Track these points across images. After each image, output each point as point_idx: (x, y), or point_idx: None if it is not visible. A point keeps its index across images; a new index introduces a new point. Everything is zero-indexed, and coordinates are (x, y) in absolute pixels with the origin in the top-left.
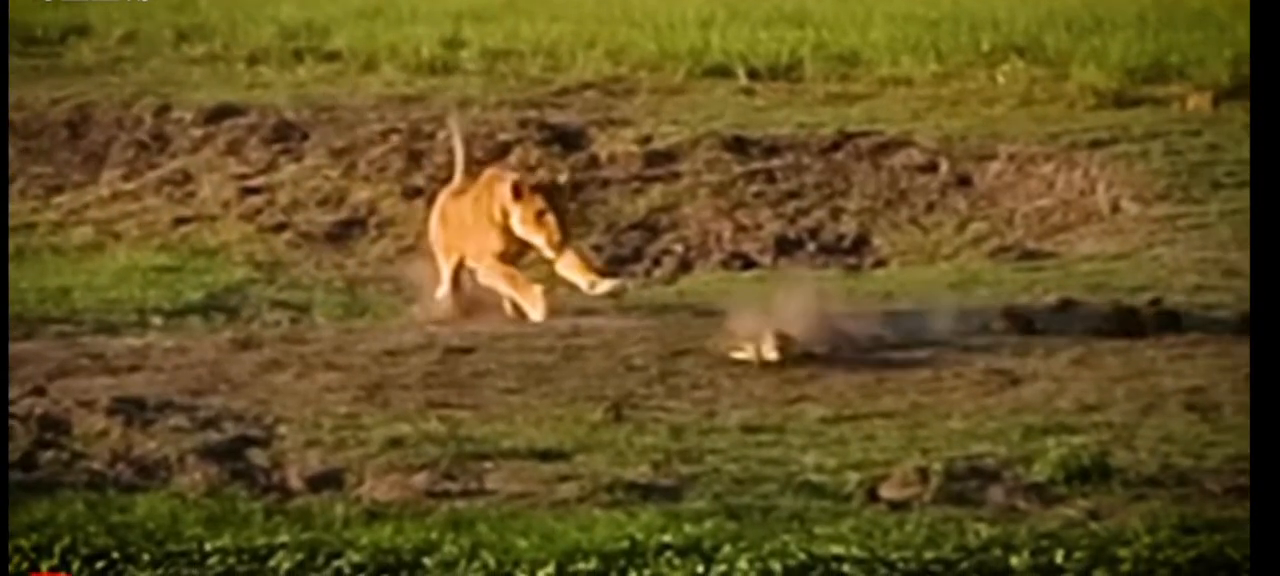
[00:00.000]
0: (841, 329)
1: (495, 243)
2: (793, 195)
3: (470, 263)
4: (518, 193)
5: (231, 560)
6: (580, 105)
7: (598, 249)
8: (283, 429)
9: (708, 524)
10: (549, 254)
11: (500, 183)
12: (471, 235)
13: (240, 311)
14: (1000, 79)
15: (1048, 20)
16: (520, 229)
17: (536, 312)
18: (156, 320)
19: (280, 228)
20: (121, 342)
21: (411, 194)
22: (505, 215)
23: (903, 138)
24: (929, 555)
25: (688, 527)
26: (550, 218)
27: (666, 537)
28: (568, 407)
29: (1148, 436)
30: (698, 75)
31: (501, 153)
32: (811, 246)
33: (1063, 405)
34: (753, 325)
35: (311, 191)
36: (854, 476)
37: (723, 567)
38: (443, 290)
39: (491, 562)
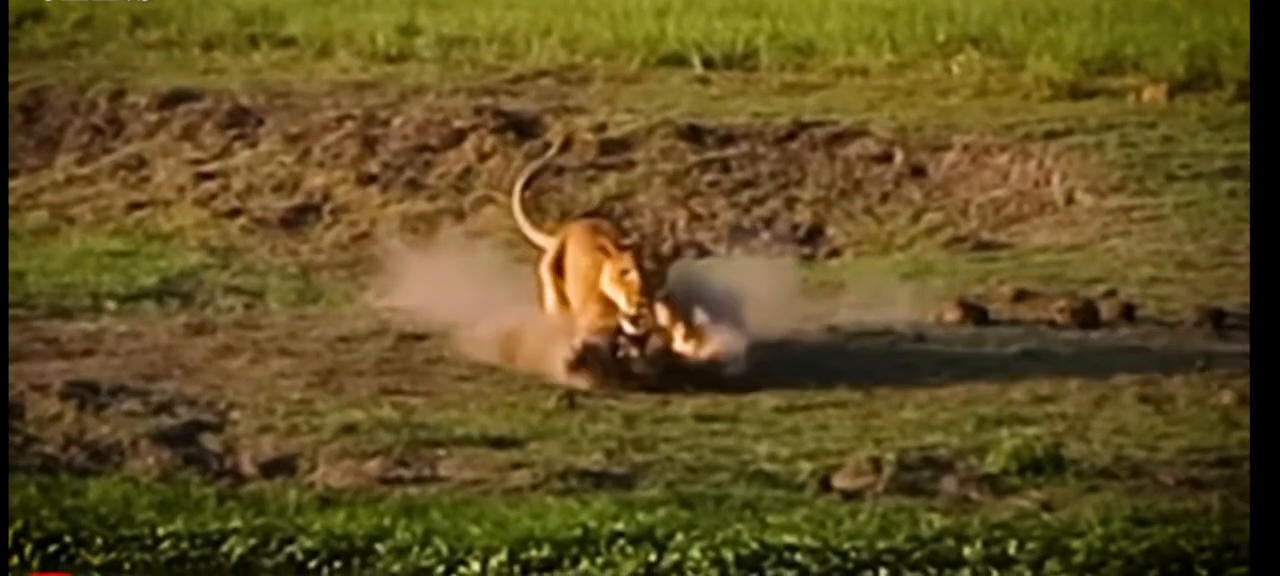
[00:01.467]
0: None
1: (591, 295)
2: (748, 184)
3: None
4: (607, 249)
5: (184, 545)
6: (535, 93)
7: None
8: (236, 414)
9: (661, 512)
10: (628, 310)
11: (599, 235)
12: (577, 283)
13: (194, 296)
14: (955, 70)
15: (1003, 11)
16: (607, 285)
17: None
18: (110, 304)
19: (234, 213)
20: (75, 326)
21: (366, 180)
22: (598, 268)
23: (858, 128)
24: (882, 545)
25: (641, 516)
26: (633, 277)
27: (619, 526)
28: (521, 395)
29: (1101, 428)
30: (653, 64)
31: (457, 139)
32: (766, 236)
33: (1016, 396)
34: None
35: (266, 177)
36: (807, 466)
37: (675, 556)
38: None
39: (444, 549)
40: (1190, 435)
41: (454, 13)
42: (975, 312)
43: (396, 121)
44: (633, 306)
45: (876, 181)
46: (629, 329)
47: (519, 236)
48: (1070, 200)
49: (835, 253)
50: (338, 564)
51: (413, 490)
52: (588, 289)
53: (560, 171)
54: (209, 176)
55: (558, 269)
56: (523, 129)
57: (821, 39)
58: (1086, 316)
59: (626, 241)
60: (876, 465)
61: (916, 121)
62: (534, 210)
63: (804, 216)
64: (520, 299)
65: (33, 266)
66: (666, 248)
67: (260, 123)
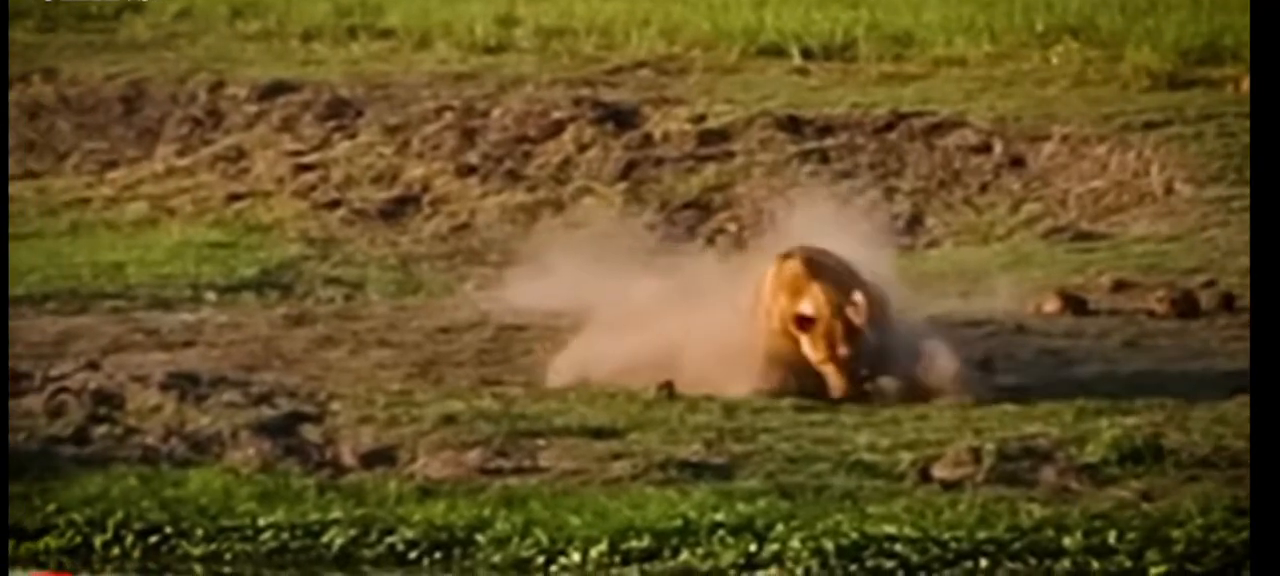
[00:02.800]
0: None
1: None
2: (846, 175)
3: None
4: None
5: (284, 536)
6: (634, 84)
7: (650, 228)
8: (336, 405)
9: (761, 502)
10: (812, 356)
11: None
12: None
13: (294, 287)
14: (1054, 60)
15: (1102, 1)
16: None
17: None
18: (210, 296)
19: (334, 204)
20: (175, 318)
21: (465, 171)
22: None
23: (956, 118)
24: (981, 535)
25: (741, 506)
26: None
27: (719, 516)
28: (621, 385)
29: (1201, 418)
30: (752, 54)
31: (556, 130)
32: (865, 227)
33: (1115, 387)
34: None
35: (365, 168)
36: (907, 456)
37: (775, 546)
38: None
39: (544, 540)
40: None
41: (553, 4)
42: (1074, 303)
43: (495, 112)
44: (814, 351)
45: (975, 172)
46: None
47: (617, 227)
48: (1169, 190)
49: (934, 243)
50: (438, 554)
51: (513, 480)
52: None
53: (659, 162)
54: (308, 167)
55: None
56: (621, 120)
57: (920, 29)
58: (1186, 306)
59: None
60: (976, 455)
61: (1015, 112)
62: None
63: (903, 207)
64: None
65: (133, 258)
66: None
67: (359, 114)
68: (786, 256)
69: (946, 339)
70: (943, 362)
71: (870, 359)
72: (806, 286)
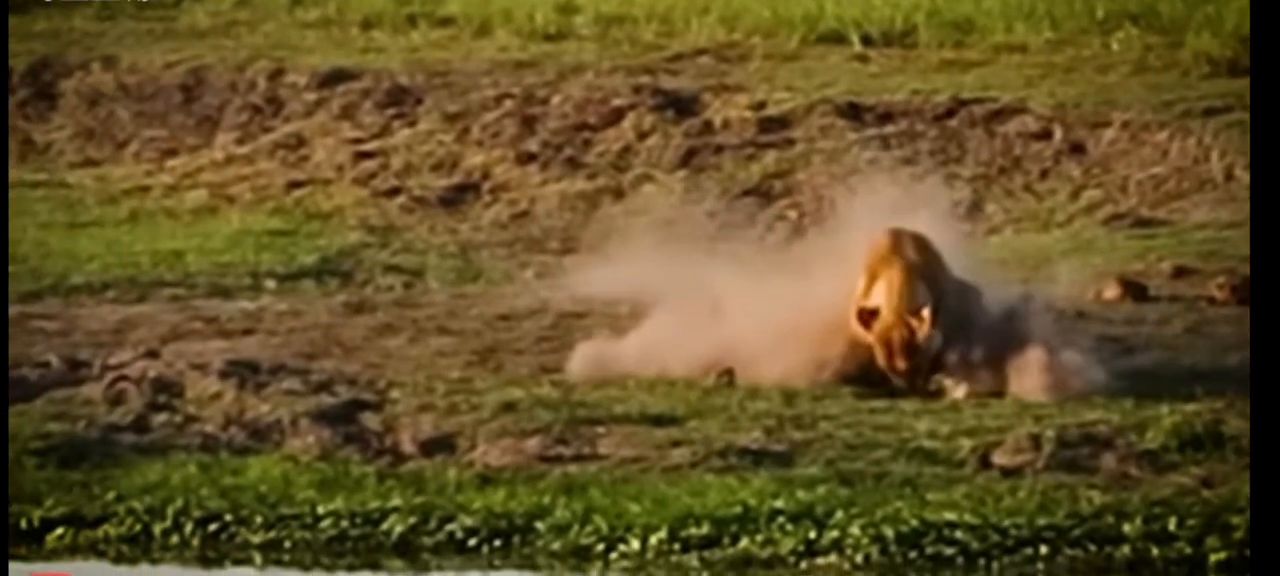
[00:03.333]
0: None
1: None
2: (907, 161)
3: None
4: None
5: (344, 523)
6: (694, 71)
7: (711, 215)
8: (395, 393)
9: (820, 489)
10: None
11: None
12: None
13: (354, 275)
14: (1114, 46)
15: None
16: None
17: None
18: (270, 283)
19: (394, 192)
20: (235, 306)
21: (525, 158)
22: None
23: (1017, 104)
24: (1041, 522)
25: (800, 493)
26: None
27: (779, 503)
28: (680, 372)
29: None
30: (811, 41)
31: (616, 118)
32: (925, 213)
33: (1176, 373)
34: None
35: (425, 156)
36: (966, 443)
37: (835, 533)
38: None
39: (604, 527)
40: None
41: None
42: (1135, 289)
43: (555, 100)
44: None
45: (1035, 158)
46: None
47: (677, 214)
48: (1229, 177)
49: (994, 230)
50: (497, 542)
51: (572, 468)
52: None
53: (719, 150)
54: (368, 155)
55: None
56: (681, 107)
57: (980, 16)
58: (1246, 293)
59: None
60: (1036, 442)
61: (1075, 98)
62: None
63: (963, 194)
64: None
65: (192, 246)
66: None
67: (419, 101)
68: (887, 234)
69: (1050, 332)
70: (1034, 366)
71: (950, 351)
72: (883, 272)
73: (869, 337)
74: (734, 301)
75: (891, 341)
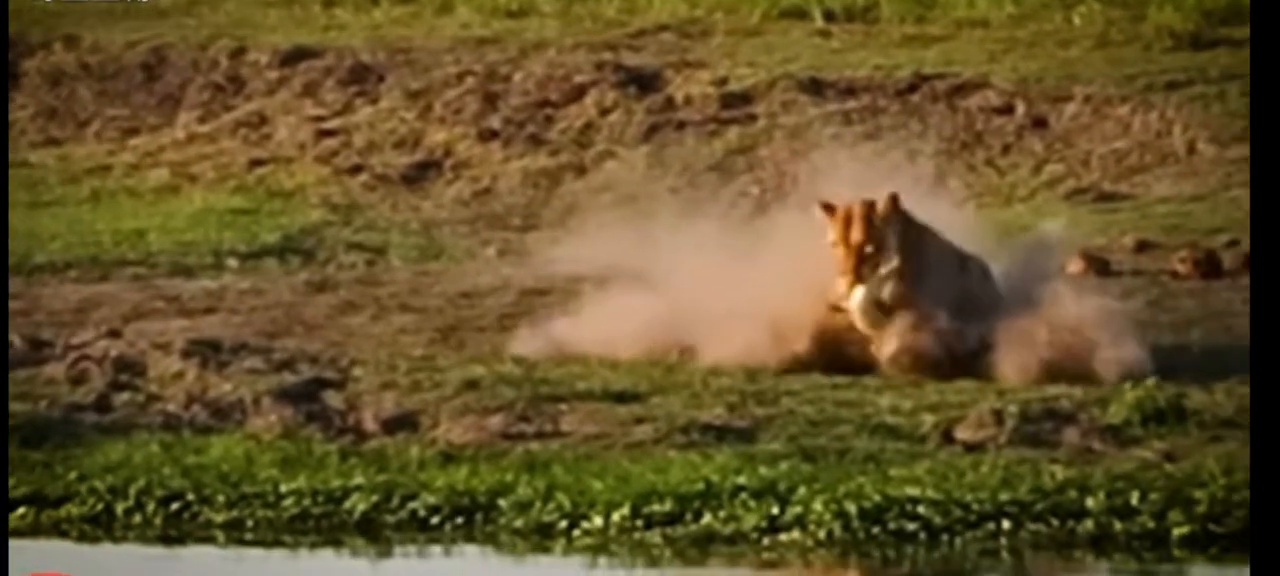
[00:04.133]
0: None
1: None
2: (869, 137)
3: None
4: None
5: (306, 502)
6: (656, 47)
7: (673, 192)
8: (358, 371)
9: (783, 465)
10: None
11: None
12: None
13: (316, 253)
14: (1076, 20)
15: None
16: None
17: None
18: (232, 262)
19: (356, 170)
20: (197, 284)
21: (487, 135)
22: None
23: (979, 79)
24: (1004, 497)
25: (763, 469)
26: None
27: (742, 479)
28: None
29: (1224, 378)
30: (773, 16)
31: (578, 94)
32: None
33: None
34: None
35: (387, 133)
36: (929, 418)
37: (798, 509)
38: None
39: (566, 504)
40: None
41: None
42: (1097, 264)
43: (517, 77)
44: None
45: (998, 133)
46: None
47: (639, 191)
48: (1192, 150)
49: (957, 205)
50: (460, 520)
51: (535, 445)
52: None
53: (681, 126)
54: (330, 133)
55: None
56: (644, 83)
57: None
58: (1209, 267)
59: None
60: (999, 417)
61: (1037, 73)
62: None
63: (925, 169)
64: None
65: (154, 225)
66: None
67: (381, 79)
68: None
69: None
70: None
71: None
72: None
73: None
74: (696, 278)
75: (850, 220)
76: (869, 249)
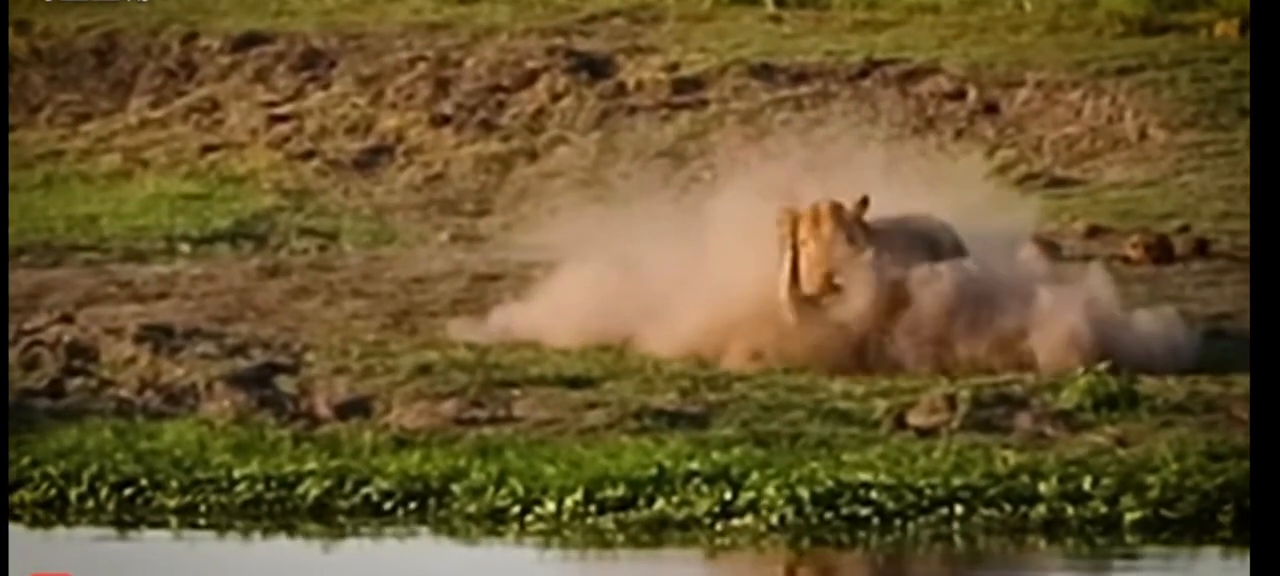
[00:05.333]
0: None
1: None
2: (820, 123)
3: None
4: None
5: (259, 487)
6: (607, 32)
7: (624, 177)
8: (310, 356)
9: (736, 450)
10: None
11: None
12: None
13: (268, 239)
14: (1027, 6)
15: None
16: None
17: None
18: (184, 247)
19: (308, 155)
20: (149, 270)
21: (439, 121)
22: None
23: (930, 65)
24: (957, 481)
25: (715, 454)
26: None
27: (694, 465)
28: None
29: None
30: (725, 2)
31: (529, 80)
32: (840, 174)
33: None
34: None
35: (339, 119)
36: (881, 403)
37: (750, 494)
38: None
39: (519, 489)
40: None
41: None
42: (1049, 248)
43: (469, 62)
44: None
45: (949, 119)
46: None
47: (593, 177)
48: (1143, 136)
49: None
50: (412, 505)
51: (487, 430)
52: None
53: (633, 111)
54: (282, 118)
55: None
56: (595, 69)
57: None
58: (1160, 252)
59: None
60: (951, 402)
61: (989, 58)
62: None
63: (877, 155)
64: None
65: (106, 210)
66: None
67: (333, 64)
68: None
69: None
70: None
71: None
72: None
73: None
74: (647, 263)
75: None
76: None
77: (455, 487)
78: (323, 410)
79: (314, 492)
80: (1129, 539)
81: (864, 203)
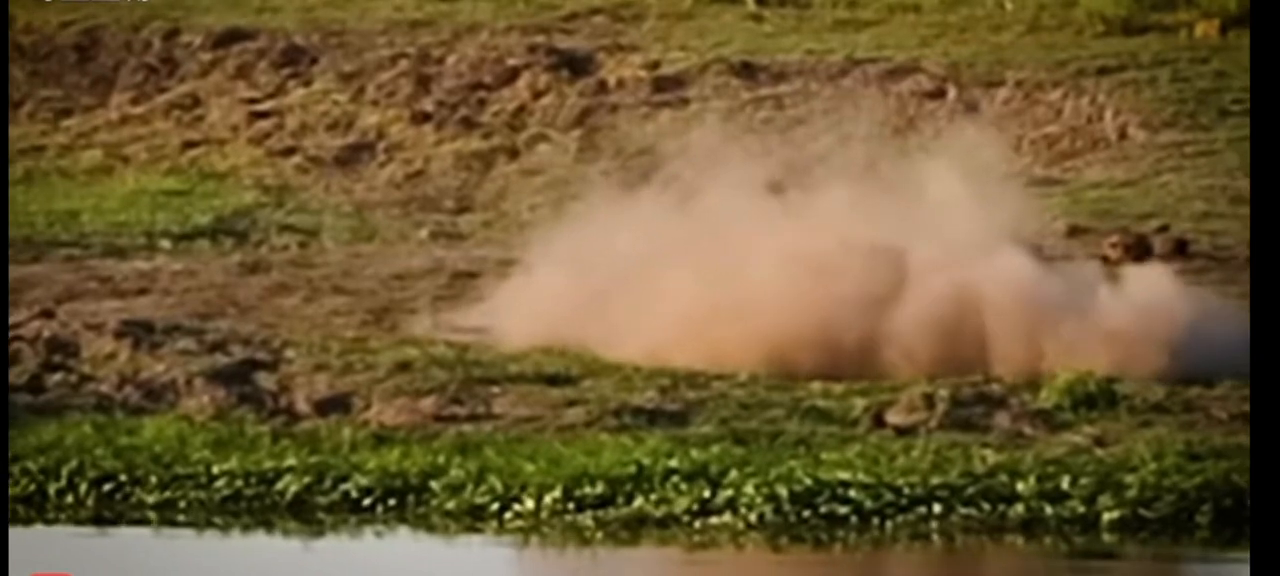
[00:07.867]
0: None
1: None
2: (801, 121)
3: None
4: None
5: (238, 483)
6: (588, 30)
7: (605, 174)
8: (290, 352)
9: (714, 449)
10: None
11: None
12: None
13: (248, 235)
14: (1008, 5)
15: None
16: None
17: None
18: (165, 243)
19: (289, 151)
20: (130, 265)
21: (420, 118)
22: None
23: (910, 64)
24: (935, 480)
25: (695, 452)
26: None
27: (673, 462)
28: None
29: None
30: (706, 1)
31: (511, 77)
32: (820, 173)
33: None
34: None
35: (320, 116)
36: (860, 402)
37: (729, 492)
38: None
39: (498, 486)
40: (1243, 369)
41: None
42: (1029, 248)
43: (450, 59)
44: None
45: (929, 118)
46: None
47: (573, 175)
48: (1123, 136)
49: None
50: (392, 501)
51: (467, 427)
52: None
53: (614, 109)
54: (263, 115)
55: None
56: (576, 66)
57: None
58: (1140, 251)
59: None
60: (930, 401)
61: (969, 58)
62: None
63: (857, 153)
64: None
65: (87, 206)
66: None
67: (314, 61)
68: None
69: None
70: None
71: None
72: None
73: None
74: (626, 263)
75: None
76: None
77: (434, 484)
78: (302, 406)
79: (293, 489)
80: (1107, 538)
81: None
